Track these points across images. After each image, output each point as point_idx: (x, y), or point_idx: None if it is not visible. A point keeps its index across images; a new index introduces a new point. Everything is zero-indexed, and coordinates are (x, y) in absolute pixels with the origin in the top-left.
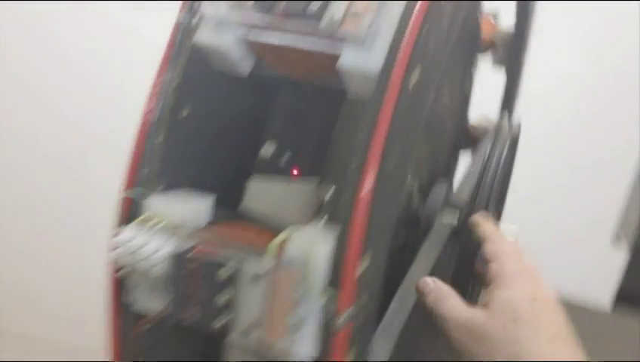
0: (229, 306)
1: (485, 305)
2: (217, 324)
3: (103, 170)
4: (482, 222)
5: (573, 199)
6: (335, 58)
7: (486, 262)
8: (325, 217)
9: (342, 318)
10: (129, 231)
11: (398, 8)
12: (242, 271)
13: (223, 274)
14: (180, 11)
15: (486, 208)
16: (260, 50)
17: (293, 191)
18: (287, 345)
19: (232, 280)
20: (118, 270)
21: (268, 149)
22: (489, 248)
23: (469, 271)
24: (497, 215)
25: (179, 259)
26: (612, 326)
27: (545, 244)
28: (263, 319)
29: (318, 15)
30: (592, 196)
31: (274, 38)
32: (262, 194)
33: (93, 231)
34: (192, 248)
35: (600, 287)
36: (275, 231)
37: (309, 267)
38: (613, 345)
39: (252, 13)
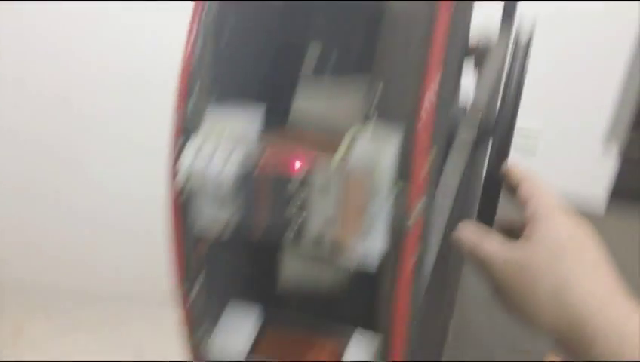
0: (301, 213)
1: (527, 241)
2: (289, 233)
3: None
4: (513, 167)
5: (564, 104)
6: None
7: (523, 202)
8: (386, 113)
9: (413, 213)
10: (192, 146)
11: None
12: (313, 177)
13: (294, 181)
14: None
15: (512, 117)
16: None
17: (343, 91)
18: (360, 245)
19: (303, 187)
20: (180, 187)
21: (313, 51)
22: (525, 188)
23: (498, 175)
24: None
25: (248, 169)
26: (607, 226)
27: (537, 149)
28: (335, 222)
29: None
30: (583, 100)
31: None
32: (311, 99)
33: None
34: (260, 157)
35: (593, 189)
36: (329, 134)
37: (378, 166)
38: (610, 244)
39: None
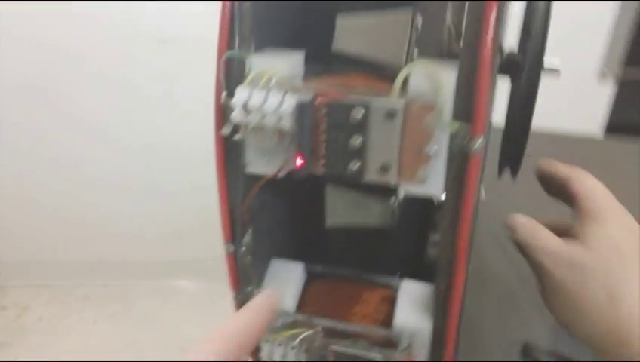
0: (363, 148)
1: (582, 240)
2: (353, 167)
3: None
4: (558, 163)
5: (559, 39)
6: None
7: (574, 200)
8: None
9: (476, 144)
10: (243, 91)
11: None
12: (373, 111)
13: (355, 115)
14: None
15: (541, 52)
16: None
17: (384, 24)
18: (425, 175)
19: (364, 122)
20: (232, 133)
21: None
22: (576, 187)
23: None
24: None
25: (305, 109)
26: (606, 153)
27: None
28: (399, 154)
29: None
30: (577, 34)
31: None
32: (352, 33)
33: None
34: (316, 96)
35: (590, 121)
36: (376, 70)
37: (439, 97)
38: (609, 169)
39: None
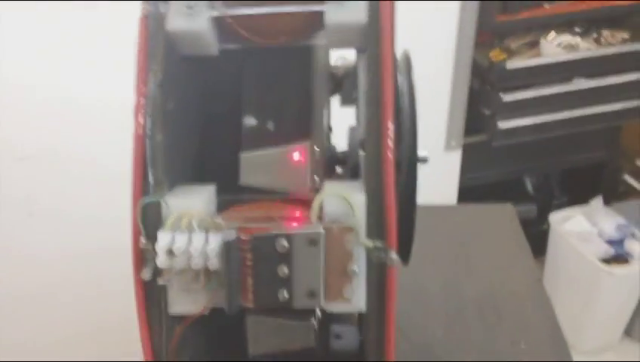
0: (290, 277)
1: None
2: (282, 297)
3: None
4: None
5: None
6: (314, 16)
7: None
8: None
9: (392, 256)
10: (166, 236)
11: None
12: (297, 239)
13: (280, 246)
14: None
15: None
16: (234, 25)
17: (285, 156)
18: (351, 293)
19: (288, 251)
20: (153, 276)
21: (249, 122)
22: None
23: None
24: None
25: (231, 247)
26: (460, 217)
27: None
28: (324, 277)
29: None
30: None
31: (253, 9)
32: (256, 168)
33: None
34: (240, 232)
35: (444, 189)
36: (285, 199)
37: (354, 218)
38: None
39: None
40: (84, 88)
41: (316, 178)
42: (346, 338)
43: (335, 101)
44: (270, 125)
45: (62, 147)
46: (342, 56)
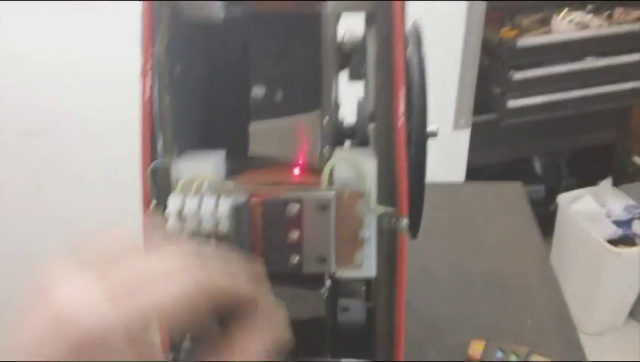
0: (300, 241)
1: None
2: (293, 261)
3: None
4: None
5: None
6: None
7: None
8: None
9: (403, 223)
10: (177, 200)
11: None
12: (307, 204)
13: (290, 211)
14: None
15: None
16: None
17: (294, 126)
18: (361, 259)
19: (299, 216)
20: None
21: (258, 92)
22: None
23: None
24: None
25: (242, 211)
26: (467, 195)
27: None
28: (335, 243)
29: None
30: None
31: None
32: (266, 137)
33: None
34: (251, 197)
35: (452, 168)
36: (295, 165)
37: (365, 184)
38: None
39: None
40: (89, 56)
41: (326, 146)
42: (353, 311)
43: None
44: (279, 95)
45: (68, 121)
46: (349, 30)
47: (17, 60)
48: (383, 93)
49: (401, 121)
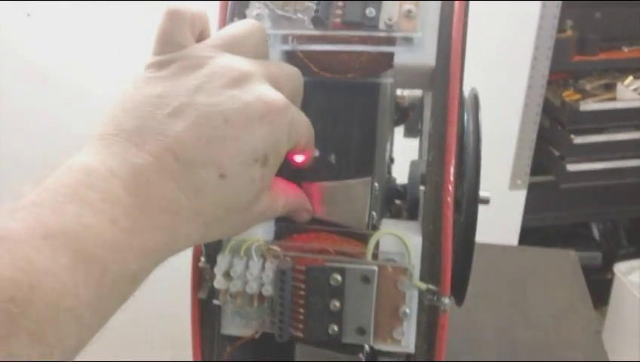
0: (341, 311)
1: None
2: (332, 331)
3: None
4: None
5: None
6: (384, 56)
7: None
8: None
9: (445, 301)
10: (225, 260)
11: (435, 5)
12: (350, 275)
13: (333, 280)
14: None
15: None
16: (304, 59)
17: (348, 190)
18: (400, 335)
19: (341, 286)
20: (209, 296)
21: (312, 153)
22: None
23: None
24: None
25: (286, 276)
26: (520, 259)
27: None
28: (374, 316)
29: (375, 20)
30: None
31: (325, 46)
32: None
33: None
34: (295, 261)
35: (506, 228)
36: (344, 233)
37: (409, 260)
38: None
39: (303, 26)
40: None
41: (374, 214)
42: None
43: (399, 131)
44: (332, 158)
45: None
46: None
47: None
48: (434, 169)
49: (449, 199)
